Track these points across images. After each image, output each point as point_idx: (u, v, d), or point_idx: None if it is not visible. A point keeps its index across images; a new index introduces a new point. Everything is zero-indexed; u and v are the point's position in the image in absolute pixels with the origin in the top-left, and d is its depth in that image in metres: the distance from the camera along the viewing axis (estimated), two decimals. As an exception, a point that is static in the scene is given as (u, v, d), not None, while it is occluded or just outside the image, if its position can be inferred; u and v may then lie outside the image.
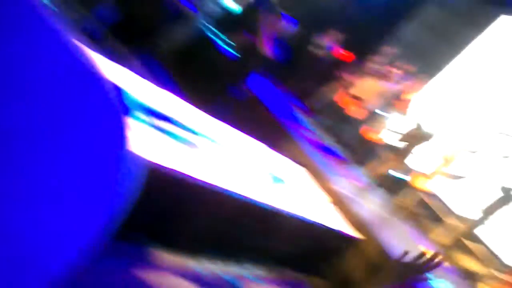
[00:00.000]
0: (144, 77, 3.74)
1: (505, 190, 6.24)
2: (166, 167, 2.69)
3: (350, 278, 4.63)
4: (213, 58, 5.92)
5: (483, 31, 9.52)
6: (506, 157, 8.44)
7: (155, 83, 3.77)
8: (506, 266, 6.94)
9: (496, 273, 7.00)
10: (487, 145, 8.74)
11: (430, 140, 6.85)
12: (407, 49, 9.77)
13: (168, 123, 3.29)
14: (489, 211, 6.20)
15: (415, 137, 6.84)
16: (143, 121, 2.96)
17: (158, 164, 2.63)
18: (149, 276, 2.85)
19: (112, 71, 3.36)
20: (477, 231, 6.84)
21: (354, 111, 7.94)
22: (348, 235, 4.54)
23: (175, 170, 2.75)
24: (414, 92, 7.71)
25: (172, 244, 3.17)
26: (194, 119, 3.85)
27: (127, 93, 3.24)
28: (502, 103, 8.97)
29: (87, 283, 2.42)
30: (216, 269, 3.45)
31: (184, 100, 4.02)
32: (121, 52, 4.71)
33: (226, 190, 3.14)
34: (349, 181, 6.55)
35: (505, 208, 6.28)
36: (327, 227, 4.18)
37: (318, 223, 4.08)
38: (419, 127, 6.86)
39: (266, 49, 4.64)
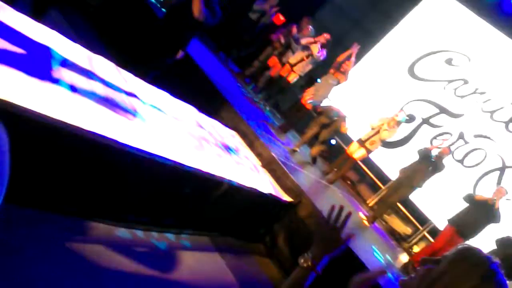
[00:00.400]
0: (67, 35, 3.45)
1: (421, 152, 6.42)
2: (98, 135, 2.48)
3: (286, 243, 4.64)
4: (146, 18, 5.60)
5: (418, 4, 9.71)
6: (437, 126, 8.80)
7: (79, 41, 3.48)
8: (436, 229, 7.25)
9: (427, 235, 7.33)
10: (417, 113, 9.06)
11: (336, 126, 6.93)
12: (343, 17, 9.82)
13: (92, 82, 3.03)
14: (419, 178, 6.36)
15: (325, 123, 6.91)
16: (63, 84, 2.69)
17: (88, 132, 2.41)
18: (81, 247, 2.67)
19: (35, 29, 3.05)
20: (412, 196, 7.07)
21: (289, 77, 7.86)
22: (281, 200, 4.51)
23: (104, 136, 2.53)
24: (351, 63, 7.71)
25: (105, 214, 2.98)
26: (121, 80, 3.60)
27: (51, 51, 2.96)
28: (430, 73, 9.30)
29: (20, 254, 2.22)
30: (149, 237, 3.30)
31: (112, 60, 3.76)
32: (45, 8, 4.36)
33: (160, 157, 2.95)
34: (284, 147, 6.54)
35: (437, 175, 6.47)
36: (259, 192, 4.10)
37: (251, 188, 4.00)
38: (328, 114, 6.92)
39: (200, 12, 4.44)
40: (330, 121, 6.92)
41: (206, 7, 4.48)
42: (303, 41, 7.66)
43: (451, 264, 1.10)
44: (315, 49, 7.47)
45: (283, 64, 8.05)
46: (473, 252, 1.10)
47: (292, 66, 7.76)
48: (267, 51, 8.40)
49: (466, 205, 5.94)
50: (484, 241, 6.07)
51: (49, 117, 2.20)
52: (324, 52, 7.60)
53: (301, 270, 1.34)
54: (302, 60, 7.67)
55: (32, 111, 2.12)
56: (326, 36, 7.54)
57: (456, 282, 1.08)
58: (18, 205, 2.29)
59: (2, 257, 2.09)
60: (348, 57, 7.35)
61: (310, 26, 8.12)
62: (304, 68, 7.74)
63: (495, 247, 5.62)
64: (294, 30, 8.13)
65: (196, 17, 4.46)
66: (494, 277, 1.05)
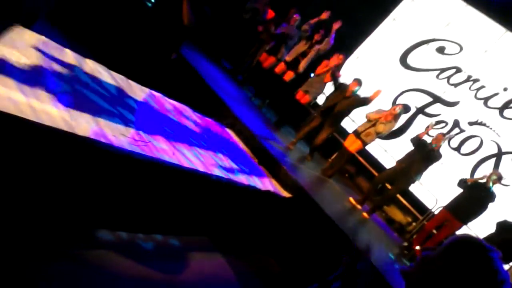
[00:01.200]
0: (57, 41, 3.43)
1: (414, 140, 6.42)
2: (85, 138, 2.47)
3: (287, 240, 4.63)
4: (137, 20, 5.56)
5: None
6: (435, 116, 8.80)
7: (69, 47, 3.46)
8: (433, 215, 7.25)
9: (425, 222, 7.34)
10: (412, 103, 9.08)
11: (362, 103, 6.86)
12: (333, 11, 9.82)
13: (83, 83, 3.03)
14: (416, 169, 6.35)
15: (340, 98, 6.85)
16: (56, 89, 2.68)
17: (74, 135, 2.40)
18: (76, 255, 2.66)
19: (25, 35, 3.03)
20: (410, 186, 7.07)
21: (285, 76, 7.85)
22: (280, 196, 4.50)
23: (94, 140, 2.53)
24: (343, 56, 7.70)
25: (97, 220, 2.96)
26: (114, 81, 3.59)
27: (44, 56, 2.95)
28: (423, 62, 9.32)
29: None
30: (137, 239, 3.25)
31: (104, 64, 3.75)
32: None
33: (156, 158, 2.95)
34: (281, 143, 6.53)
35: (435, 165, 6.47)
36: (257, 189, 4.10)
37: (249, 185, 3.98)
38: (341, 88, 6.88)
39: (189, 20, 4.45)
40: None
41: (194, 9, 4.51)
42: (310, 22, 7.71)
43: (445, 252, 1.14)
44: (327, 45, 7.54)
45: (278, 60, 8.02)
46: (465, 242, 1.13)
47: (288, 63, 7.75)
48: (259, 48, 8.34)
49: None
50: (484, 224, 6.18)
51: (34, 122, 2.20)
52: (319, 46, 7.62)
53: None
54: (302, 56, 7.67)
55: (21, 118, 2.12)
56: (327, 13, 7.63)
57: (449, 268, 1.11)
58: None
59: None
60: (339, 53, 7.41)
61: (297, 16, 8.07)
62: (300, 64, 7.73)
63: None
64: (287, 28, 8.08)
65: (186, 25, 4.49)
66: (490, 266, 1.08)
